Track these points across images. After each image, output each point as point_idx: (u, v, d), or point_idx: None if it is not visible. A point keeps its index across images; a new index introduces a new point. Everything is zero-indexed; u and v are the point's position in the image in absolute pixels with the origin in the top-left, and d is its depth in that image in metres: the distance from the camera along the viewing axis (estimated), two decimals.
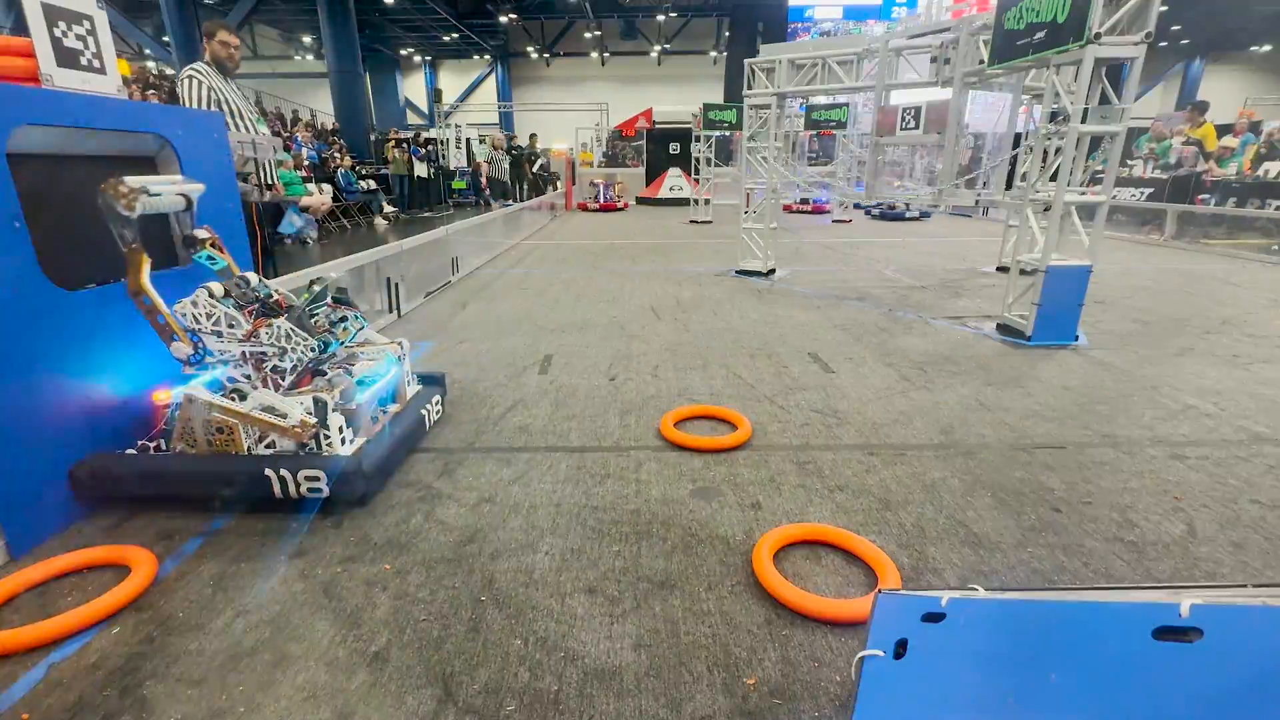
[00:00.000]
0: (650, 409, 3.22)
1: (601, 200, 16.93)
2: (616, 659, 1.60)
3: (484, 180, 16.18)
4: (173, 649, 1.64)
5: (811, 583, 1.89)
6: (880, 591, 1.25)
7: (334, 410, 2.29)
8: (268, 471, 2.15)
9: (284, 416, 2.20)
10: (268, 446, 2.29)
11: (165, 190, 2.28)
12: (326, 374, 2.52)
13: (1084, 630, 0.90)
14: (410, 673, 1.56)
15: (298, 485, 2.16)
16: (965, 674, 1.00)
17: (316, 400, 2.25)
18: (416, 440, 2.78)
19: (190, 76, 3.90)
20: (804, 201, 14.57)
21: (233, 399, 2.26)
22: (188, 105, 3.88)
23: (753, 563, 1.93)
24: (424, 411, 2.82)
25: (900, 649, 1.11)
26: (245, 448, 2.26)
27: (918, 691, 1.05)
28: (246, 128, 4.09)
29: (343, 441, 2.32)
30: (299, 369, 2.39)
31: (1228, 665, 0.75)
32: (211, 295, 2.29)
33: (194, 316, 2.26)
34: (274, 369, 2.35)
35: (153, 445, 2.32)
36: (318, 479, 2.15)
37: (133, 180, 2.15)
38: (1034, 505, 2.30)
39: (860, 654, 1.16)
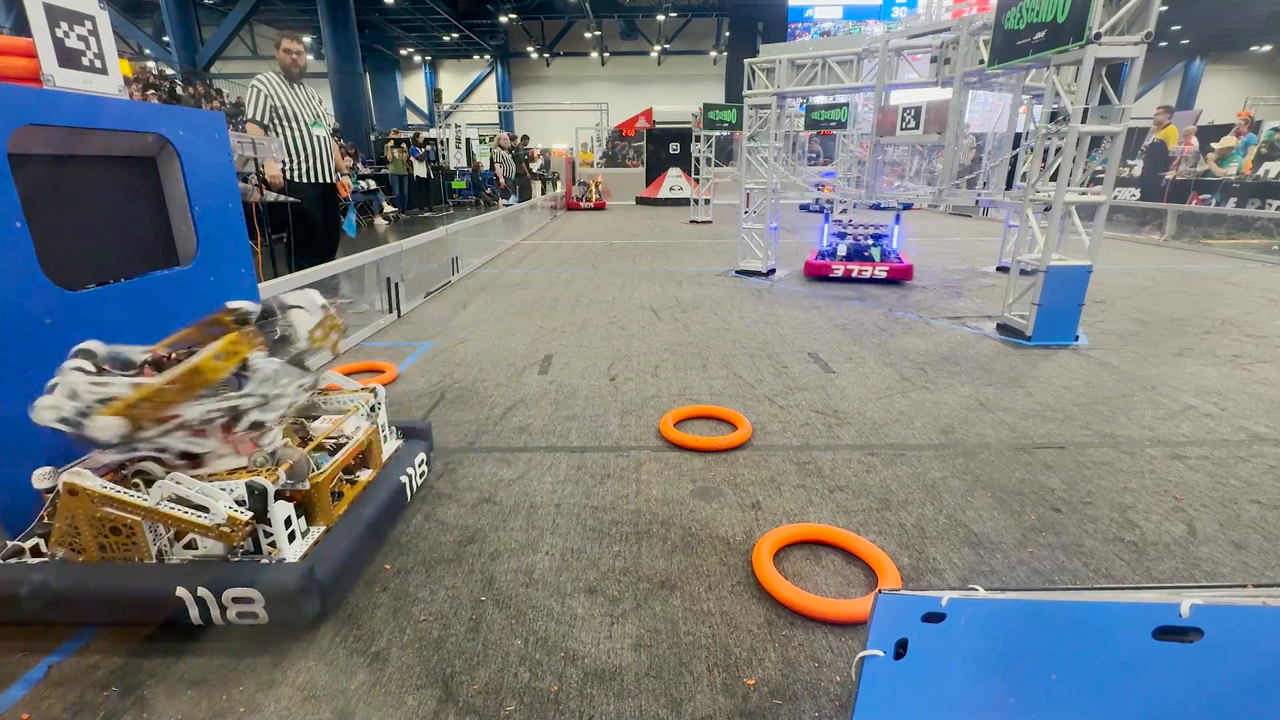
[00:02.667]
0: (650, 409, 3.23)
1: (594, 199, 17.06)
2: (617, 659, 1.60)
3: (502, 183, 16.28)
4: (173, 649, 1.64)
5: (811, 583, 1.89)
6: (880, 591, 1.25)
7: (278, 497, 1.69)
8: (180, 591, 1.58)
9: (204, 511, 1.60)
10: (187, 547, 1.74)
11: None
12: (266, 431, 1.80)
13: (1084, 630, 0.90)
14: (410, 673, 1.56)
15: (222, 609, 1.60)
16: (965, 674, 1.00)
17: (251, 487, 1.63)
18: (395, 518, 2.18)
19: (253, 87, 4.39)
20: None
21: (136, 484, 1.68)
22: (249, 112, 4.33)
23: (753, 563, 1.93)
24: (404, 478, 2.22)
25: (900, 649, 1.11)
26: (154, 552, 1.69)
27: (918, 691, 1.05)
28: (299, 132, 4.29)
29: (291, 538, 1.72)
30: (287, 419, 1.87)
31: (1228, 665, 0.75)
32: (95, 361, 1.73)
33: (76, 409, 1.60)
34: (253, 426, 1.74)
35: (28, 546, 1.73)
36: (250, 600, 1.59)
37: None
38: (1034, 505, 2.30)
39: (860, 654, 1.16)
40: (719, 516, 2.25)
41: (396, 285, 5.16)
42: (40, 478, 1.71)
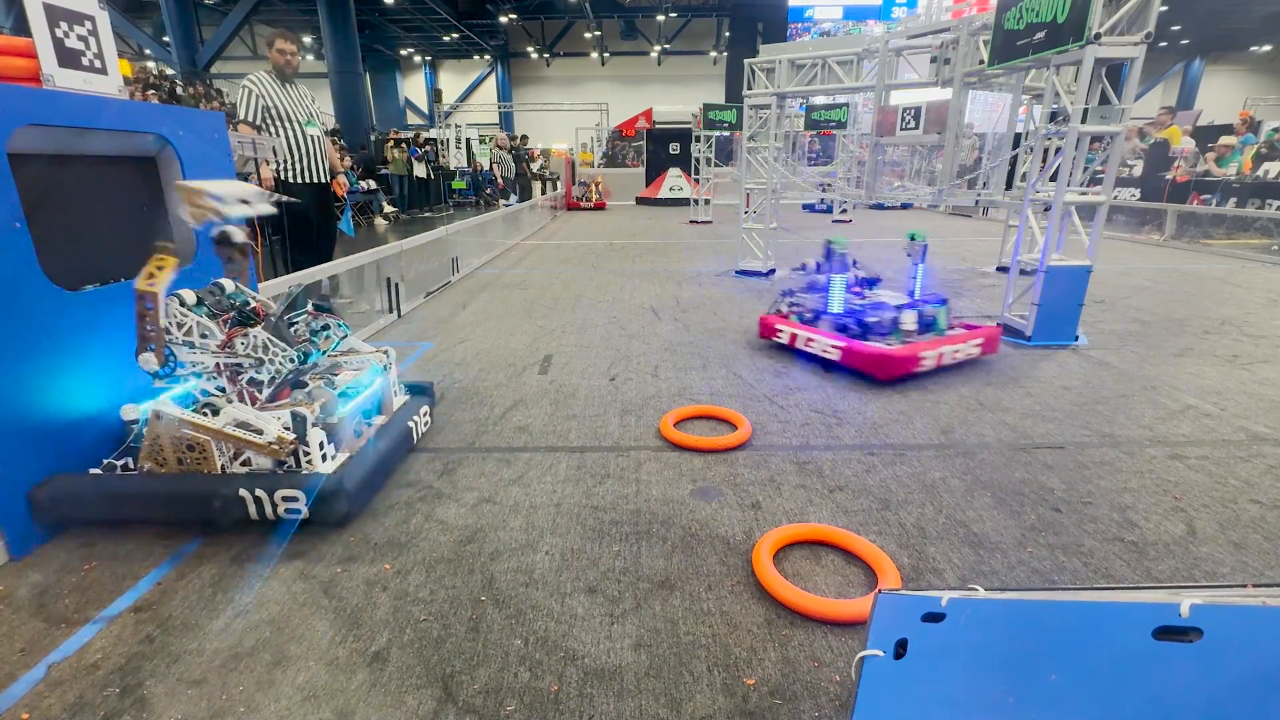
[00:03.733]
0: (650, 409, 3.22)
1: (595, 199, 17.09)
2: (616, 659, 1.60)
3: (500, 182, 16.32)
4: (173, 649, 1.64)
5: (811, 583, 1.89)
6: (880, 591, 1.25)
7: (314, 425, 2.17)
8: (242, 492, 2.02)
9: (260, 433, 2.07)
10: (243, 465, 2.17)
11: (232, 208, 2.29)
12: (307, 386, 2.37)
13: (1084, 630, 0.90)
14: (410, 673, 1.56)
15: (274, 506, 2.04)
16: (965, 674, 1.00)
17: (295, 415, 2.12)
18: (403, 454, 2.65)
19: (245, 87, 4.33)
20: None
21: (205, 414, 2.13)
22: (241, 113, 4.29)
23: (753, 563, 1.93)
24: (411, 424, 2.68)
25: (900, 649, 1.11)
26: (219, 466, 2.13)
27: (918, 691, 1.05)
28: (293, 132, 4.28)
29: (324, 458, 2.20)
30: (277, 381, 2.27)
31: (1228, 665, 0.75)
32: (183, 303, 2.17)
33: (165, 326, 2.13)
34: (250, 381, 2.23)
35: (119, 464, 2.18)
36: (296, 499, 2.03)
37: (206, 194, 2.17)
38: (1034, 505, 2.30)
39: (860, 654, 1.16)
40: (719, 516, 2.25)
41: (396, 285, 5.16)
42: (128, 411, 2.20)
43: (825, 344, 3.71)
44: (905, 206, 15.39)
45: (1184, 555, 2.01)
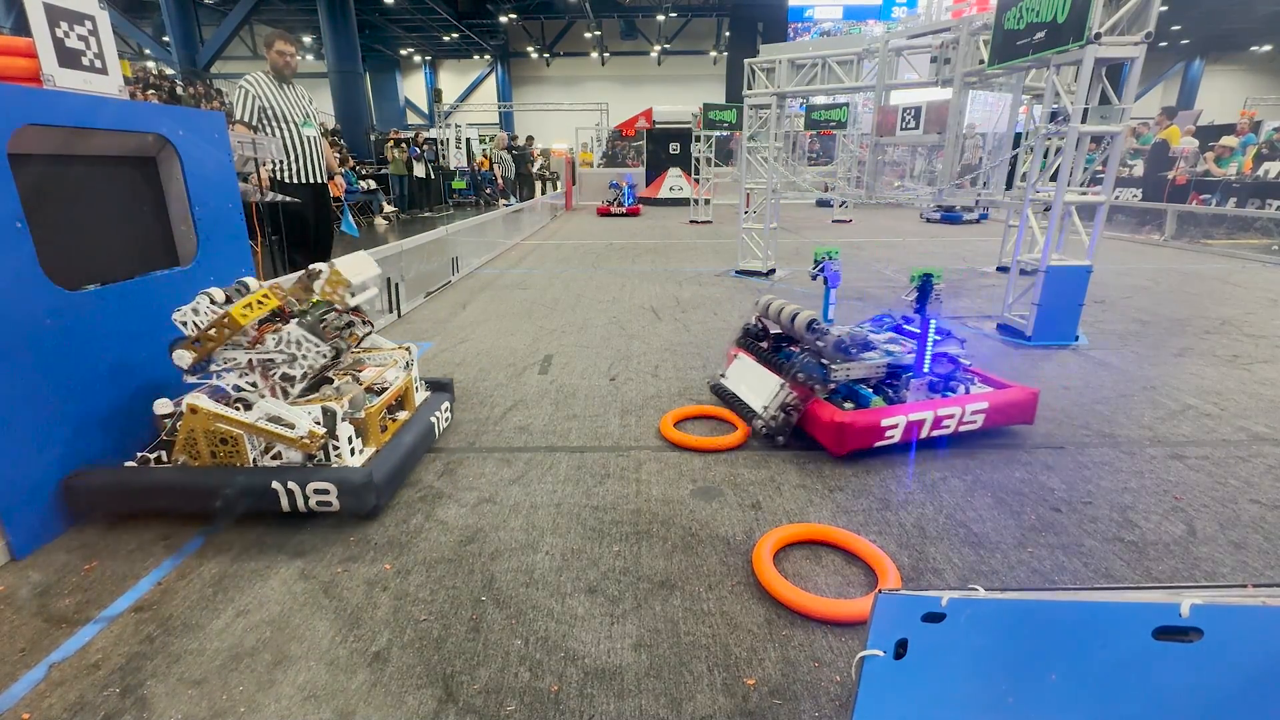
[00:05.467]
0: (650, 409, 3.22)
1: (627, 205, 14.18)
2: (617, 659, 1.60)
3: (500, 184, 16.33)
4: (173, 649, 1.64)
5: (811, 583, 1.89)
6: (880, 591, 1.25)
7: (343, 420, 2.23)
8: (275, 484, 2.09)
9: (291, 427, 2.12)
10: (274, 458, 2.23)
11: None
12: (334, 381, 2.44)
13: (1084, 630, 0.90)
14: (411, 673, 1.56)
15: (306, 498, 2.10)
16: (965, 674, 1.00)
17: (325, 410, 2.18)
18: (427, 449, 2.72)
19: (241, 87, 4.36)
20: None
21: (238, 409, 2.18)
22: (237, 113, 4.28)
23: (753, 563, 1.93)
24: (434, 419, 2.75)
25: (900, 649, 1.11)
26: (251, 459, 2.19)
27: (918, 691, 1.05)
28: (289, 133, 4.29)
29: (352, 452, 2.26)
30: (309, 377, 2.31)
31: (1228, 665, 0.75)
32: (213, 301, 2.22)
33: (195, 324, 2.19)
34: (283, 376, 2.28)
35: (153, 457, 2.25)
36: (327, 492, 2.09)
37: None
38: (1034, 505, 2.30)
39: (860, 654, 1.17)
40: (719, 516, 2.25)
41: (396, 285, 5.16)
42: (160, 406, 2.28)
43: (966, 412, 2.68)
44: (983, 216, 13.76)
45: (1184, 555, 2.01)
